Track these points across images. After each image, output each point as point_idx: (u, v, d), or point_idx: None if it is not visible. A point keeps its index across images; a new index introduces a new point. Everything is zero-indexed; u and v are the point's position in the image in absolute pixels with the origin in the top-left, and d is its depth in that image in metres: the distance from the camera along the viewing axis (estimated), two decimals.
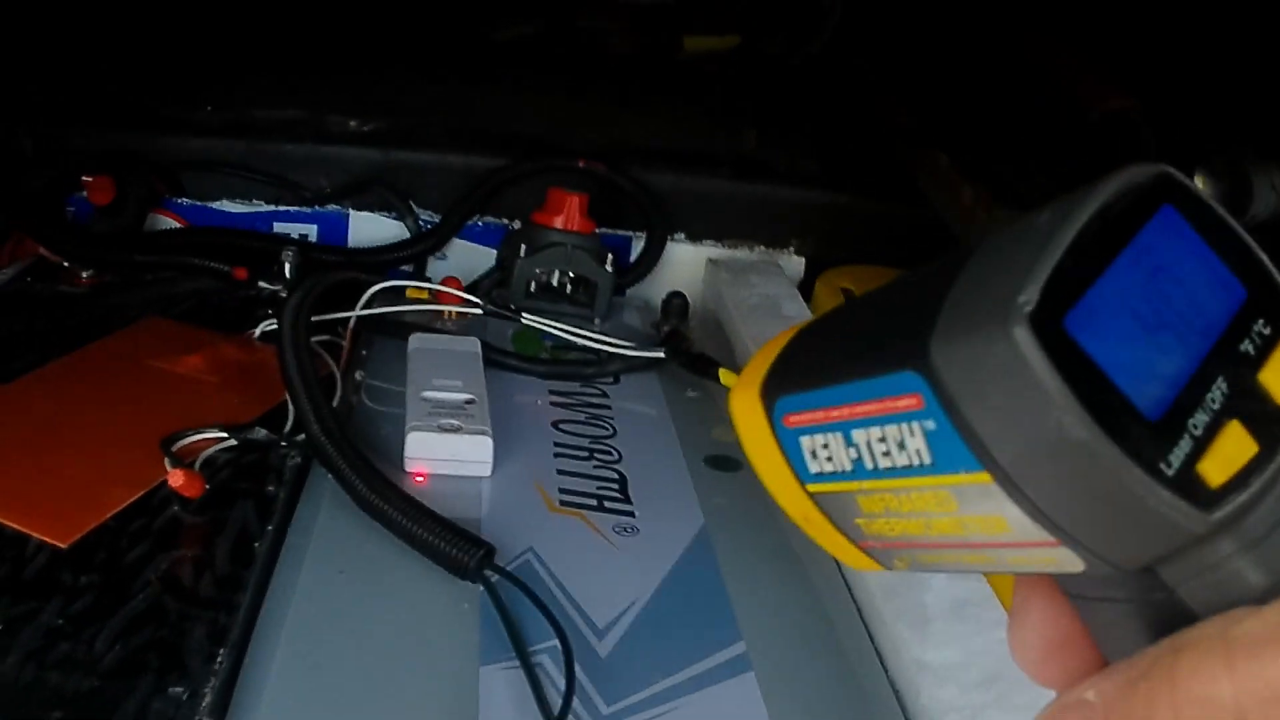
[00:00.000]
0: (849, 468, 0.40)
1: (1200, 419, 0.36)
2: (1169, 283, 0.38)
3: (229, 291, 1.39)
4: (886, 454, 0.38)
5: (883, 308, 0.41)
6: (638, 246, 1.59)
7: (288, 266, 1.37)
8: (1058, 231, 0.36)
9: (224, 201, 1.56)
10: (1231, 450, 0.36)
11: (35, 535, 0.92)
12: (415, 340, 1.23)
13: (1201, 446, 0.35)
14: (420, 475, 1.06)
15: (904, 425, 0.37)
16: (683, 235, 1.62)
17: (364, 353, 1.27)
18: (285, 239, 1.52)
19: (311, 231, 1.56)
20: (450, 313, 1.34)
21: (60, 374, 1.17)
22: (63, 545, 0.91)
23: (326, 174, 1.58)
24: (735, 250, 1.63)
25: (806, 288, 1.58)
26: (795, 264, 1.65)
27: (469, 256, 1.56)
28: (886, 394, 0.38)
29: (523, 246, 1.40)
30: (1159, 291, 0.37)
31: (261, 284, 1.36)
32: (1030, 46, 1.74)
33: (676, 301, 1.41)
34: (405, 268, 1.54)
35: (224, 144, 1.58)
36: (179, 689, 0.78)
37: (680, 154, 1.67)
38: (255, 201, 1.56)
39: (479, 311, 1.32)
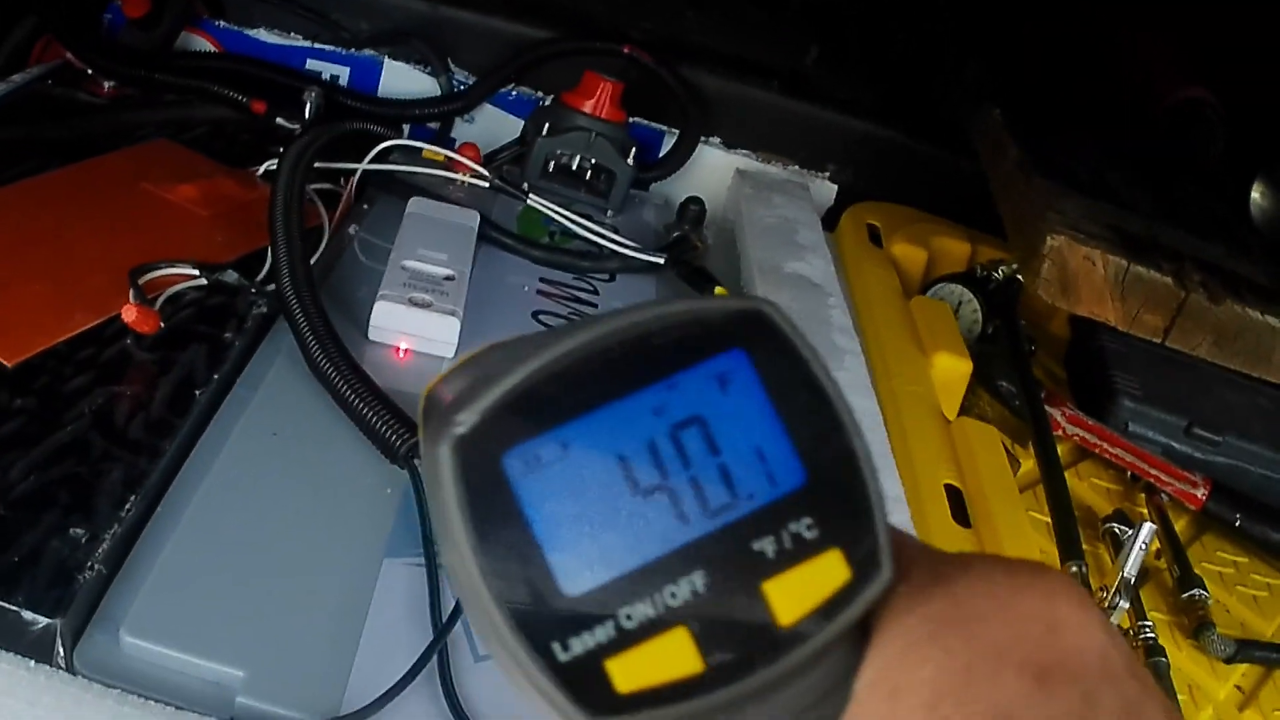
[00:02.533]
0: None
1: (640, 611, 0.32)
2: (684, 442, 0.33)
3: (246, 124, 1.37)
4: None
5: (471, 366, 0.37)
6: (670, 141, 1.56)
7: (308, 106, 1.35)
8: (556, 345, 0.32)
9: (261, 30, 1.54)
10: (664, 659, 0.32)
11: None
12: (414, 204, 1.21)
13: (625, 643, 0.32)
14: (404, 350, 1.05)
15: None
16: (718, 140, 1.58)
17: (365, 207, 1.26)
18: (311, 77, 1.50)
19: (344, 74, 1.54)
20: (460, 180, 1.32)
21: (54, 185, 1.16)
22: (8, 364, 0.91)
23: (368, 18, 1.55)
24: (768, 165, 1.59)
25: (834, 216, 1.55)
26: (827, 190, 1.62)
27: (498, 124, 1.54)
28: None
29: (546, 125, 1.38)
30: (660, 450, 0.33)
31: (279, 120, 1.34)
32: (1111, 20, 1.70)
33: (693, 208, 1.39)
34: (432, 126, 1.51)
35: None
36: (80, 531, 0.78)
37: (734, 58, 1.64)
38: (292, 35, 1.54)
39: (485, 185, 1.30)
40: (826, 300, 1.27)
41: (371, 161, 1.26)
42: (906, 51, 1.80)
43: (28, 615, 0.72)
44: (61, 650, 0.72)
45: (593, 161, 1.40)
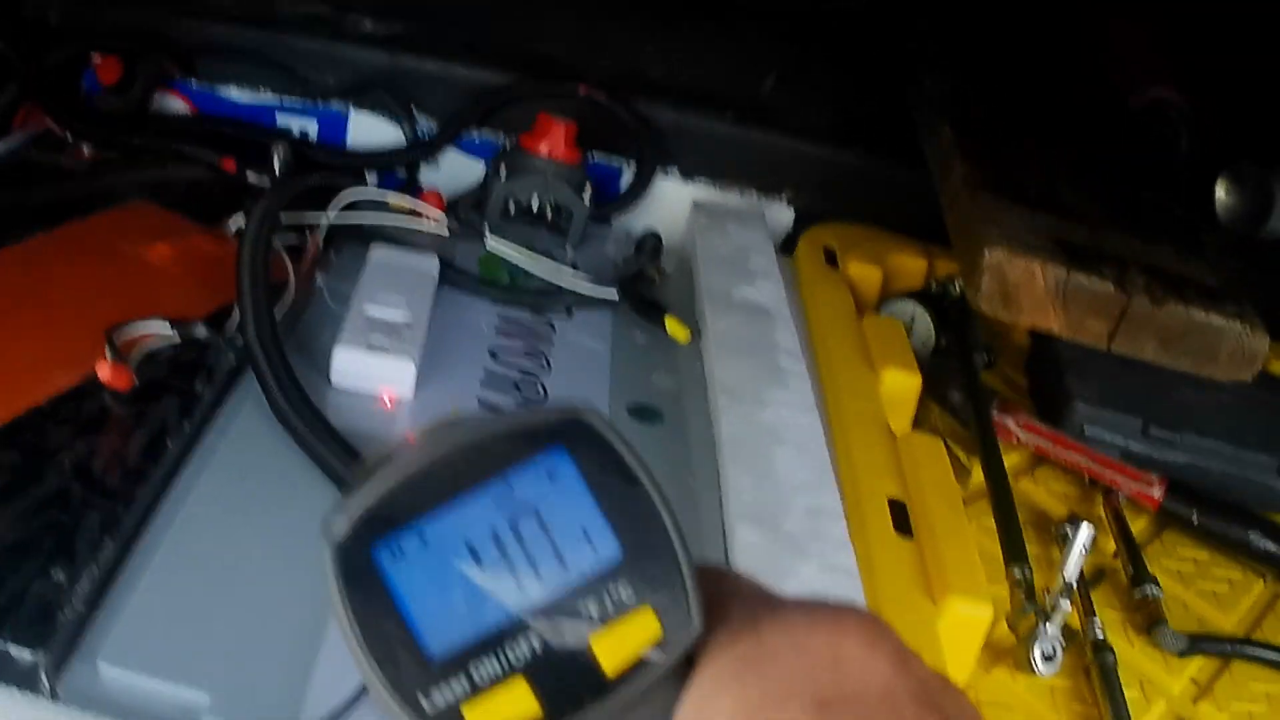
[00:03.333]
0: None
1: (487, 667, 0.40)
2: (521, 527, 0.41)
3: (220, 181, 1.44)
4: None
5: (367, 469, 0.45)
6: (629, 175, 1.62)
7: (277, 161, 1.41)
8: (412, 456, 0.41)
9: (232, 88, 1.61)
10: (509, 705, 0.40)
11: None
12: (375, 252, 1.27)
13: (475, 692, 0.40)
14: (388, 399, 1.12)
15: None
16: (676, 170, 1.64)
17: (332, 256, 1.32)
18: (279, 133, 1.58)
19: (312, 128, 1.61)
20: (416, 229, 1.38)
21: (37, 250, 1.23)
22: None
23: (335, 72, 1.62)
24: (725, 192, 1.65)
25: (793, 240, 1.60)
26: (784, 215, 1.67)
27: (463, 169, 1.60)
28: None
29: (503, 168, 1.44)
30: (499, 533, 0.41)
31: (250, 176, 1.41)
32: (1080, 16, 1.73)
33: (650, 242, 1.45)
34: (400, 175, 1.59)
35: (243, 31, 1.61)
36: (60, 573, 0.85)
37: (689, 90, 1.69)
38: (262, 91, 1.61)
39: (444, 233, 1.37)
40: (774, 324, 1.31)
41: (341, 211, 1.32)
42: (863, 66, 1.83)
43: (14, 650, 0.79)
44: (45, 680, 0.79)
45: (551, 200, 1.46)
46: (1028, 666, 1.03)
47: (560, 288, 1.36)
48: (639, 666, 0.41)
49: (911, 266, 1.55)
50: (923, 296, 1.46)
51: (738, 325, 1.29)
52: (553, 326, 1.31)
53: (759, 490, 1.05)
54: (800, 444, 1.12)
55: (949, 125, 1.49)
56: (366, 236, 1.33)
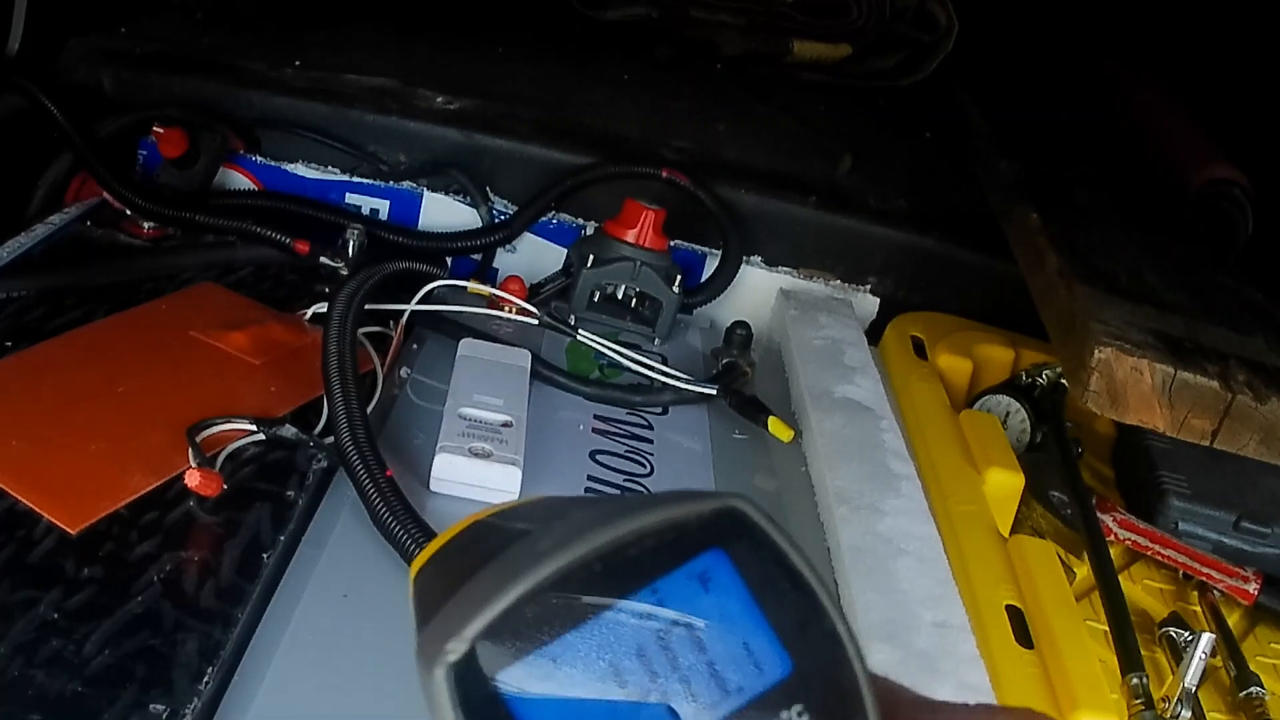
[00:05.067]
0: None
1: None
2: (672, 644, 0.34)
3: (290, 263, 1.36)
4: None
5: (461, 559, 0.37)
6: (711, 262, 1.56)
7: (351, 245, 1.34)
8: (540, 563, 0.32)
9: (299, 165, 1.54)
10: None
11: (47, 516, 0.90)
12: (465, 347, 1.21)
13: None
14: None
15: None
16: (759, 259, 1.58)
17: (415, 346, 1.25)
18: (353, 214, 1.50)
19: (383, 207, 1.54)
20: (502, 316, 1.31)
21: (101, 335, 1.16)
22: (72, 531, 0.90)
23: (406, 149, 1.55)
24: (810, 281, 1.59)
25: (878, 328, 1.54)
26: (869, 303, 1.61)
27: (539, 253, 1.54)
28: None
29: (591, 256, 1.37)
30: (649, 654, 0.33)
31: (323, 259, 1.34)
32: (1134, 104, 1.70)
33: (740, 333, 1.38)
34: (474, 256, 1.51)
35: (307, 106, 1.55)
36: (160, 706, 0.76)
37: (770, 174, 1.63)
38: (330, 169, 1.55)
39: (533, 321, 1.29)
40: (879, 424, 1.26)
41: (420, 300, 1.25)
42: (936, 151, 1.80)
43: None
44: None
45: (638, 290, 1.39)
46: None
47: (654, 385, 1.28)
48: None
49: (1000, 357, 1.50)
50: (1015, 389, 1.40)
51: (842, 426, 1.24)
52: (648, 424, 1.24)
53: (886, 606, 1.00)
54: (920, 554, 1.07)
55: (1034, 211, 1.45)
56: (447, 327, 1.28)
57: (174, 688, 0.78)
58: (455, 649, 0.31)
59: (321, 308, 1.20)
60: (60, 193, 1.45)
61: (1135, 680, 1.02)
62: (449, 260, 1.47)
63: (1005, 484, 1.22)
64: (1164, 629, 1.14)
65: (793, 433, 1.25)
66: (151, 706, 0.76)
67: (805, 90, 2.01)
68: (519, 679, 0.32)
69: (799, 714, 0.34)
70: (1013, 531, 1.20)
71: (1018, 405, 1.39)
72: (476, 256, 1.51)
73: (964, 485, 1.21)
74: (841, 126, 1.84)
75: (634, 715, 0.33)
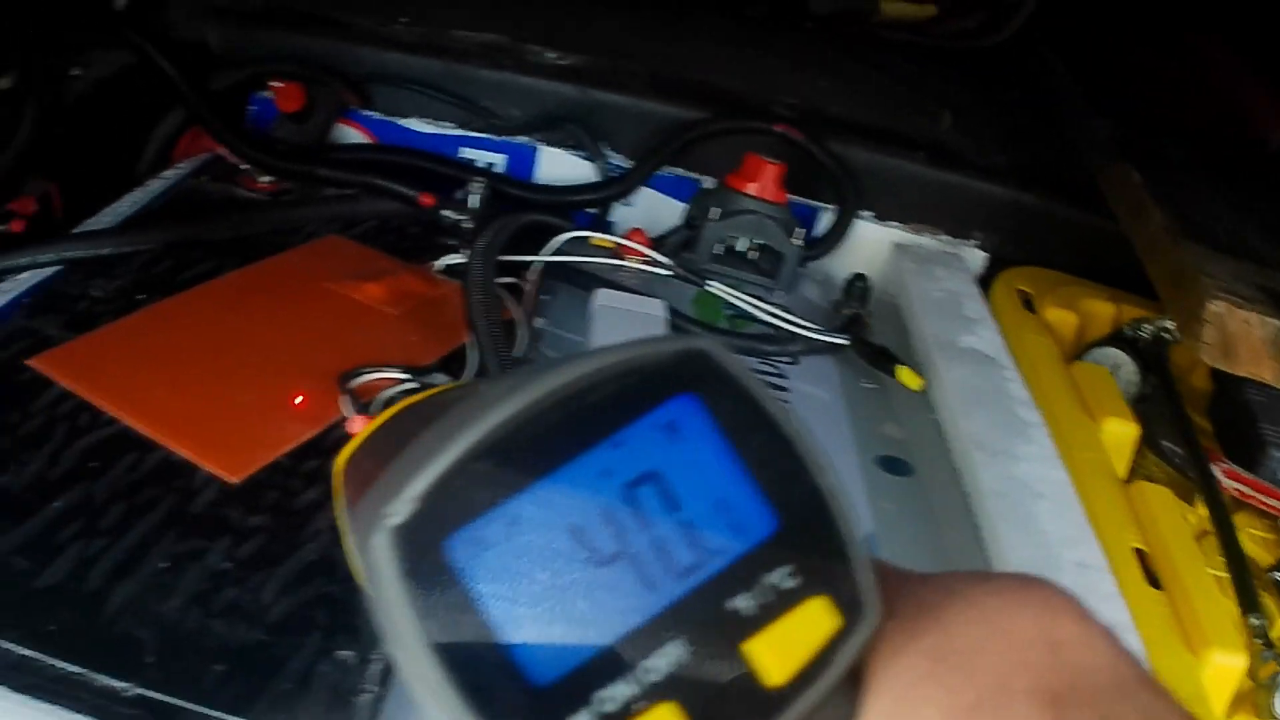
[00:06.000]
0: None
1: (620, 692, 0.29)
2: (641, 502, 0.30)
3: (412, 216, 1.35)
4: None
5: (393, 437, 0.35)
6: (822, 216, 1.54)
7: (475, 198, 1.32)
8: (488, 415, 0.29)
9: (413, 119, 1.53)
10: None
11: (205, 467, 0.89)
12: (601, 297, 1.19)
13: None
14: None
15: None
16: (870, 213, 1.56)
17: (545, 298, 1.23)
18: (472, 167, 1.48)
19: (499, 161, 1.53)
20: (629, 267, 1.30)
21: (236, 287, 1.14)
22: (234, 480, 0.88)
23: (520, 104, 1.54)
24: (919, 236, 1.57)
25: (984, 284, 1.53)
26: (976, 258, 1.58)
27: (654, 206, 1.52)
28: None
29: (714, 209, 1.36)
30: (615, 514, 0.30)
31: (445, 212, 1.32)
32: (1208, 60, 1.68)
33: (859, 285, 1.37)
34: (589, 210, 1.50)
35: (419, 61, 1.54)
36: (348, 652, 0.76)
37: (876, 130, 1.62)
38: (444, 123, 1.53)
39: (667, 273, 1.28)
40: (1003, 374, 1.26)
41: (550, 253, 1.24)
42: (1030, 109, 1.78)
43: None
44: None
45: (758, 243, 1.38)
46: (1269, 713, 0.99)
47: (784, 334, 1.27)
48: (809, 675, 0.30)
49: (1102, 312, 1.49)
50: (1122, 342, 1.40)
51: (970, 375, 1.24)
52: (780, 373, 1.23)
53: (1029, 546, 1.00)
54: (1055, 498, 1.07)
55: (1134, 169, 1.45)
56: (577, 278, 1.27)
57: (359, 633, 0.77)
58: (397, 510, 0.28)
59: (454, 259, 1.19)
60: (170, 148, 1.44)
61: (1255, 620, 1.03)
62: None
63: (1121, 433, 1.22)
64: (1271, 573, 1.14)
65: (922, 381, 1.24)
66: (338, 653, 0.75)
67: (893, 49, 1.99)
68: (469, 544, 0.29)
69: (788, 577, 0.31)
70: (1129, 479, 1.20)
71: (1126, 358, 1.39)
72: (593, 210, 1.49)
73: (1083, 434, 1.21)
74: (934, 84, 1.82)
75: (601, 583, 0.30)
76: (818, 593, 0.31)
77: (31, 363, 0.99)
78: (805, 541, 0.31)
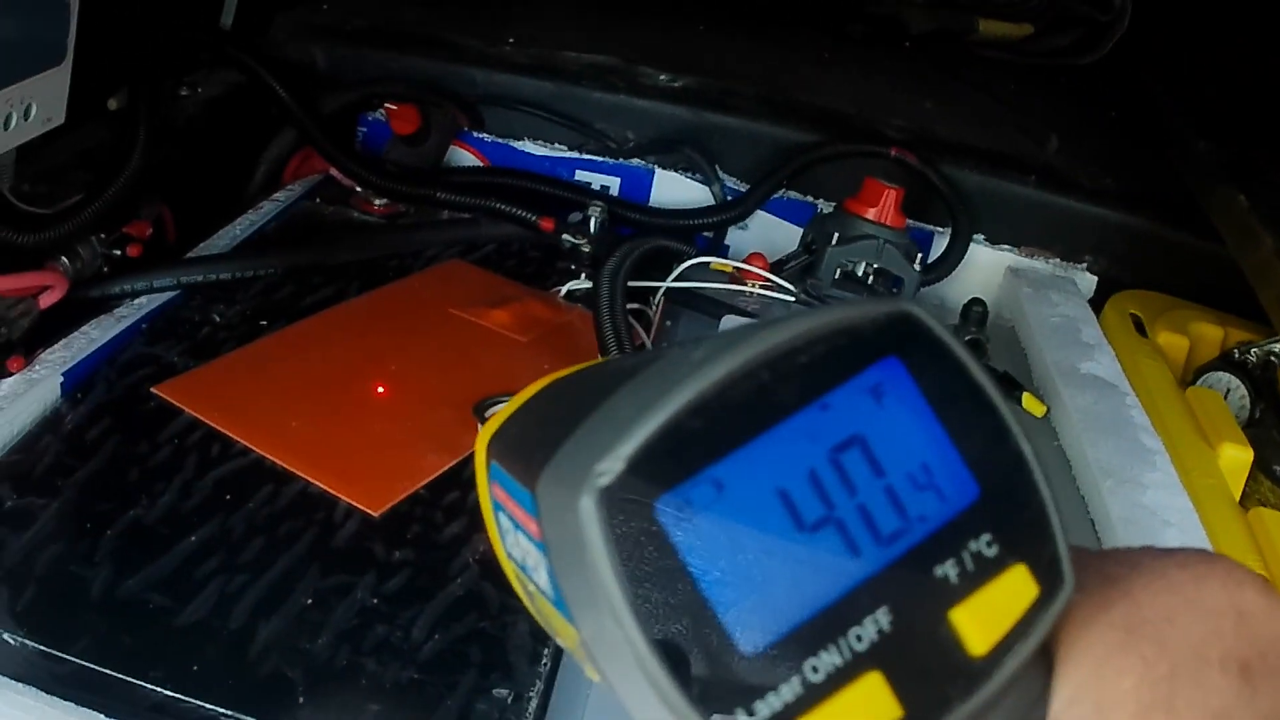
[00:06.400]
0: (521, 562, 0.33)
1: (827, 661, 0.28)
2: (846, 467, 0.29)
3: (532, 240, 1.34)
4: (535, 569, 0.31)
5: (566, 402, 0.33)
6: (938, 240, 1.52)
7: (593, 222, 1.31)
8: (696, 377, 0.28)
9: (526, 141, 1.52)
10: (859, 710, 0.28)
11: (344, 499, 0.87)
12: (728, 323, 1.18)
13: (816, 699, 0.27)
14: None
15: (536, 551, 0.30)
16: (982, 237, 1.54)
17: (668, 324, 1.22)
18: (588, 190, 1.47)
19: (614, 184, 1.51)
20: (751, 292, 1.28)
21: (362, 313, 1.13)
22: (374, 514, 0.87)
23: (633, 126, 1.52)
24: (1032, 259, 1.55)
25: (1095, 308, 1.50)
26: (1088, 281, 1.56)
27: (768, 229, 1.50)
28: (528, 509, 0.31)
29: (834, 234, 1.34)
30: (822, 478, 0.29)
31: (565, 236, 1.30)
32: None
33: (977, 310, 1.35)
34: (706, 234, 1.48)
35: (530, 83, 1.53)
36: (504, 690, 0.74)
37: (986, 153, 1.59)
38: (557, 145, 1.52)
39: (789, 298, 1.26)
40: (1124, 400, 1.24)
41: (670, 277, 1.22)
42: (1132, 130, 1.76)
43: None
44: None
45: (875, 268, 1.36)
46: None
47: None
48: (1010, 644, 0.30)
49: (1211, 335, 1.47)
50: (1231, 365, 1.39)
51: (1093, 402, 1.22)
52: None
53: None
54: (1181, 525, 1.05)
55: (1240, 193, 1.42)
56: (700, 304, 1.26)
57: (513, 670, 0.76)
58: (608, 470, 0.27)
59: (578, 284, 1.17)
60: (280, 169, 1.43)
61: None
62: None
63: (1237, 458, 1.21)
64: None
65: (1045, 408, 1.23)
66: (495, 691, 0.74)
67: (990, 68, 1.97)
68: (679, 507, 0.27)
69: (988, 544, 0.30)
70: (1241, 504, 1.19)
71: (1237, 381, 1.38)
72: (709, 233, 1.48)
73: (1200, 459, 1.20)
74: (1036, 105, 1.80)
75: (808, 549, 0.28)
76: (1017, 561, 0.30)
77: (157, 390, 0.97)
78: (1005, 509, 0.31)
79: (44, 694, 0.71)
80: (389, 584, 0.81)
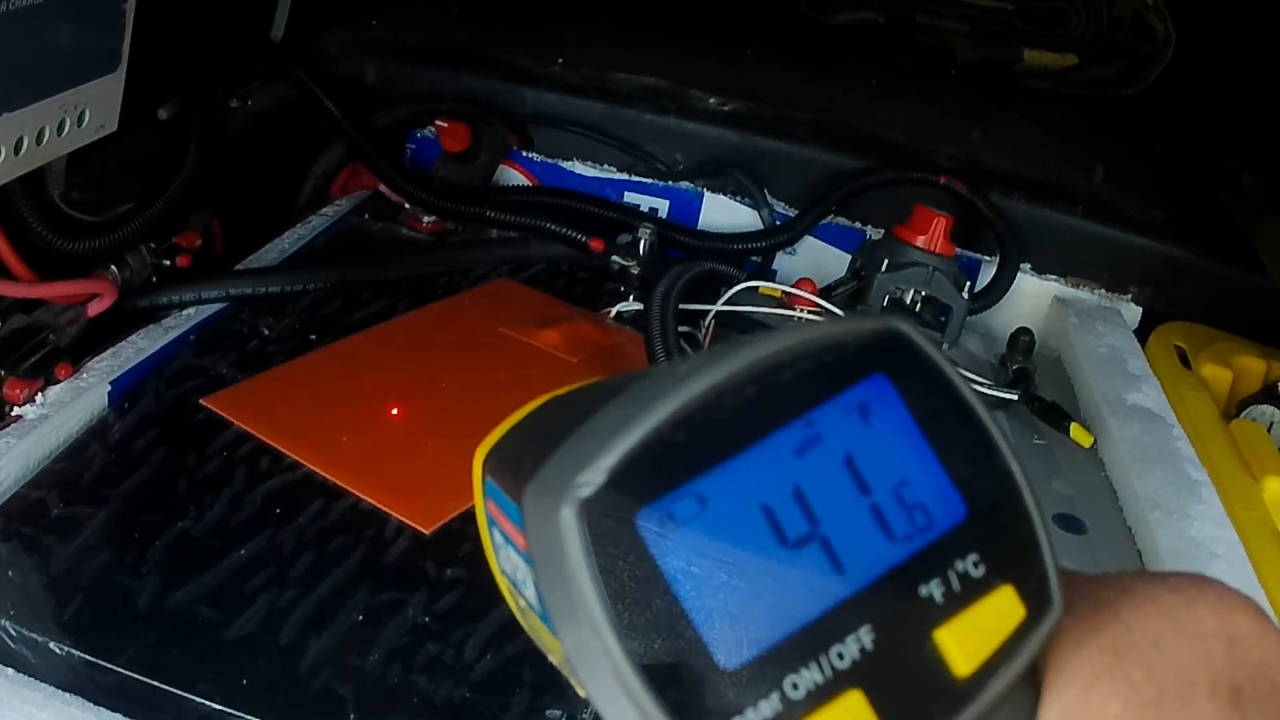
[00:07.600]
0: (512, 577, 0.32)
1: (807, 679, 0.27)
2: (831, 484, 0.29)
3: (581, 261, 1.34)
4: (524, 583, 0.31)
5: (557, 418, 0.33)
6: (986, 268, 1.51)
7: (643, 243, 1.31)
8: (680, 389, 0.28)
9: (575, 162, 1.52)
10: None
11: (395, 516, 0.87)
12: None
13: (795, 715, 0.27)
14: None
15: (525, 564, 0.30)
16: (1029, 266, 1.53)
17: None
18: (636, 212, 1.47)
19: (663, 207, 1.51)
20: (800, 317, 1.28)
21: (412, 329, 1.13)
22: (425, 531, 0.87)
23: (683, 149, 1.52)
24: (1078, 290, 1.54)
25: (1139, 339, 1.50)
26: (1132, 312, 1.56)
27: (816, 255, 1.50)
28: (516, 522, 0.30)
29: (884, 260, 1.33)
30: (807, 495, 0.29)
31: (614, 258, 1.30)
32: None
33: (1024, 339, 1.35)
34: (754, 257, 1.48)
35: (581, 103, 1.53)
36: (557, 712, 0.73)
37: (1034, 183, 1.59)
38: (607, 167, 1.52)
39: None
40: (1171, 431, 1.24)
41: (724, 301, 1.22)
42: (1177, 161, 1.76)
43: None
44: None
45: (923, 295, 1.35)
46: None
47: None
48: (996, 665, 0.30)
49: (1254, 368, 1.46)
50: (1274, 399, 1.38)
51: (1139, 433, 1.22)
52: None
53: None
54: (1228, 558, 1.05)
55: None
56: (748, 327, 1.25)
57: (566, 691, 0.75)
58: (589, 481, 0.27)
59: (629, 306, 1.17)
60: (329, 183, 1.43)
61: None
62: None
63: None
64: None
65: (1092, 438, 1.23)
66: (548, 712, 0.73)
67: (1036, 98, 1.97)
68: (660, 520, 0.27)
69: (975, 564, 0.30)
70: None
71: None
72: (757, 258, 1.48)
73: (1245, 493, 1.19)
74: (1081, 135, 1.80)
75: (791, 565, 0.28)
76: (1004, 582, 0.30)
77: (206, 402, 0.97)
78: (992, 529, 0.30)
79: (90, 704, 0.71)
80: (440, 602, 0.81)
